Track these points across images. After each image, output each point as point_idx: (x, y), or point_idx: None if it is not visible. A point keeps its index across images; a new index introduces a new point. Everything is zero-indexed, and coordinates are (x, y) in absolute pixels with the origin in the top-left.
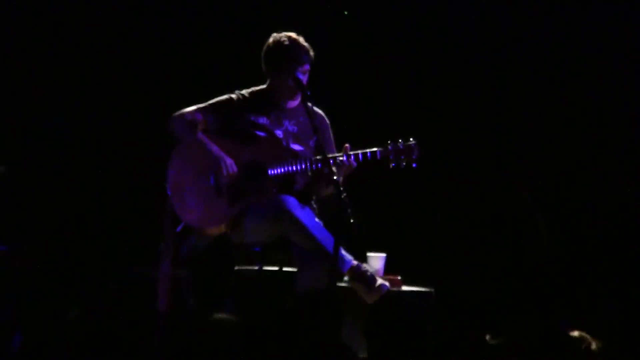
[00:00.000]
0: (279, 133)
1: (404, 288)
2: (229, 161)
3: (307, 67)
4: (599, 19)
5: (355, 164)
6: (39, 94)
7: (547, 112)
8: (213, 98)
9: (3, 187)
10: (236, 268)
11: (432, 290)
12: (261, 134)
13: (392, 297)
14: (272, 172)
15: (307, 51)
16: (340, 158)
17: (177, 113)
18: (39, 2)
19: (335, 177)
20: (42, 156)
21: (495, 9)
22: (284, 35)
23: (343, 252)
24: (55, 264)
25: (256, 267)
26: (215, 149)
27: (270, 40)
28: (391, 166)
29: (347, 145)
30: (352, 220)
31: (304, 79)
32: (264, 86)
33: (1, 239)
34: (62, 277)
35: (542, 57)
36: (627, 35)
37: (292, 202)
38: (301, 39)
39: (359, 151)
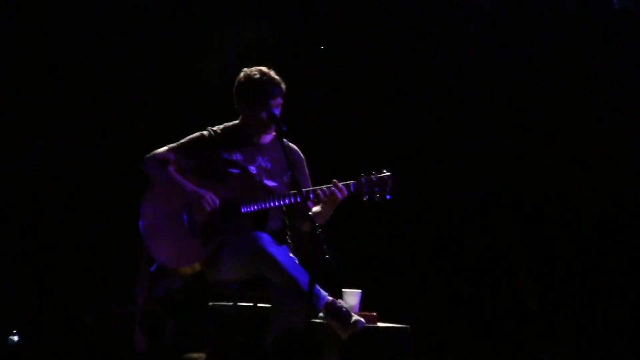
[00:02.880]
0: (252, 169)
1: (380, 324)
2: (209, 196)
3: (279, 100)
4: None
5: (345, 193)
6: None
7: (533, 148)
8: (186, 135)
9: None
10: (210, 304)
11: (408, 326)
12: (234, 170)
13: (368, 333)
14: (246, 209)
15: (278, 84)
16: (328, 188)
17: (150, 154)
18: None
19: (310, 213)
20: (20, 191)
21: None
22: (254, 69)
23: (318, 288)
24: (32, 301)
25: (231, 303)
26: (190, 186)
27: (241, 75)
28: (364, 199)
29: (335, 180)
30: (327, 256)
31: (277, 112)
32: (236, 122)
33: None
34: (40, 314)
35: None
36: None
37: (266, 239)
38: (272, 72)
39: (331, 185)
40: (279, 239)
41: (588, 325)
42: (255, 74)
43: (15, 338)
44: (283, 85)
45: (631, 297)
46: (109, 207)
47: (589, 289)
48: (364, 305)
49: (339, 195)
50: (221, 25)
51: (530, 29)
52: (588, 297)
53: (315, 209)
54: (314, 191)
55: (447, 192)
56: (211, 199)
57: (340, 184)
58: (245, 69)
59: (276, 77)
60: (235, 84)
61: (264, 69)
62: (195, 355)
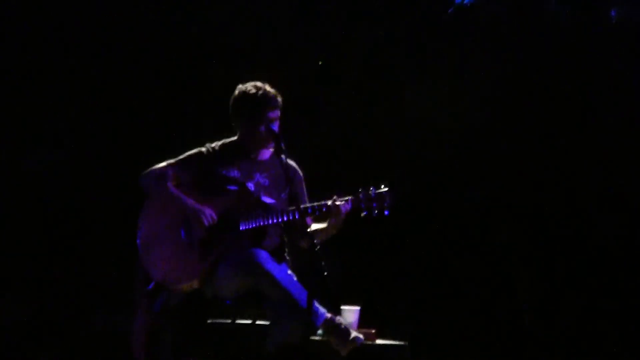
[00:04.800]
0: (250, 186)
1: (378, 341)
2: (208, 211)
3: (277, 113)
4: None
5: (344, 210)
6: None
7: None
8: (184, 152)
9: None
10: (209, 321)
11: (406, 343)
12: (232, 187)
13: (367, 350)
14: (244, 226)
15: (274, 97)
16: (326, 204)
17: (147, 170)
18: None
19: (308, 229)
20: (22, 200)
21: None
22: (249, 84)
23: (316, 305)
24: (30, 312)
25: (229, 321)
26: (190, 202)
27: (237, 91)
28: (362, 214)
29: (335, 197)
30: (325, 273)
31: (275, 126)
32: (234, 138)
33: None
34: (38, 325)
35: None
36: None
37: (264, 255)
38: (267, 86)
39: (329, 201)
40: (277, 255)
41: (588, 333)
42: (250, 89)
43: None
44: (279, 98)
45: (632, 302)
46: (110, 216)
47: (588, 295)
48: (363, 322)
49: (341, 210)
50: (220, 30)
51: (529, 34)
52: (588, 303)
53: (316, 226)
54: (312, 207)
55: (445, 205)
56: (210, 214)
57: (338, 200)
58: (239, 85)
59: (272, 90)
60: (231, 101)
61: (259, 83)
62: None
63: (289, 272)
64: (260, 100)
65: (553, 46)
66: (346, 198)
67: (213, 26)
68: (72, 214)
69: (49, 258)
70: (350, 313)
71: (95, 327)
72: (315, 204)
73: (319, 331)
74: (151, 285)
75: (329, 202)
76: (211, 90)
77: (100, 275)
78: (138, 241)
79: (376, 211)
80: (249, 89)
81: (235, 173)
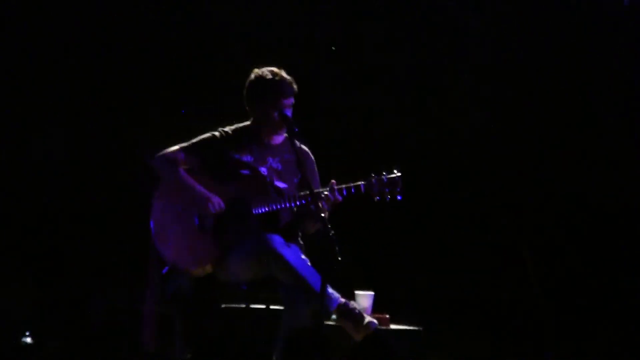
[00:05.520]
0: (263, 170)
1: (392, 326)
2: (216, 199)
3: (291, 100)
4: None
5: (340, 198)
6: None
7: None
8: (196, 136)
9: None
10: (223, 306)
11: (421, 328)
12: (245, 172)
13: (380, 335)
14: (257, 210)
15: (290, 84)
16: (325, 193)
17: (160, 153)
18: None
19: (322, 214)
20: (29, 182)
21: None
22: (265, 69)
23: (330, 290)
24: (38, 294)
25: (243, 305)
26: (199, 188)
27: (252, 75)
28: (375, 199)
29: (333, 181)
30: (339, 258)
31: (289, 113)
32: (247, 123)
33: None
34: (45, 307)
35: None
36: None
37: (277, 240)
38: (283, 72)
39: (343, 186)
40: (291, 239)
41: (596, 326)
42: (267, 74)
43: (29, 339)
44: (294, 85)
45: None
46: (112, 203)
47: (595, 289)
48: (376, 307)
49: (332, 199)
50: (228, 20)
51: (535, 26)
52: (595, 296)
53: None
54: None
55: (456, 193)
56: (217, 203)
57: (352, 185)
58: (256, 70)
59: (287, 77)
60: (247, 84)
61: (275, 69)
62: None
63: (303, 256)
64: (276, 86)
65: (553, 46)
66: (358, 183)
67: (213, 25)
68: (75, 198)
69: (51, 245)
70: (364, 298)
71: (103, 312)
72: (323, 189)
73: (333, 316)
74: (165, 270)
75: (352, 184)
76: (211, 90)
77: (111, 258)
78: (152, 223)
79: (389, 196)
80: (265, 73)
81: (247, 157)
